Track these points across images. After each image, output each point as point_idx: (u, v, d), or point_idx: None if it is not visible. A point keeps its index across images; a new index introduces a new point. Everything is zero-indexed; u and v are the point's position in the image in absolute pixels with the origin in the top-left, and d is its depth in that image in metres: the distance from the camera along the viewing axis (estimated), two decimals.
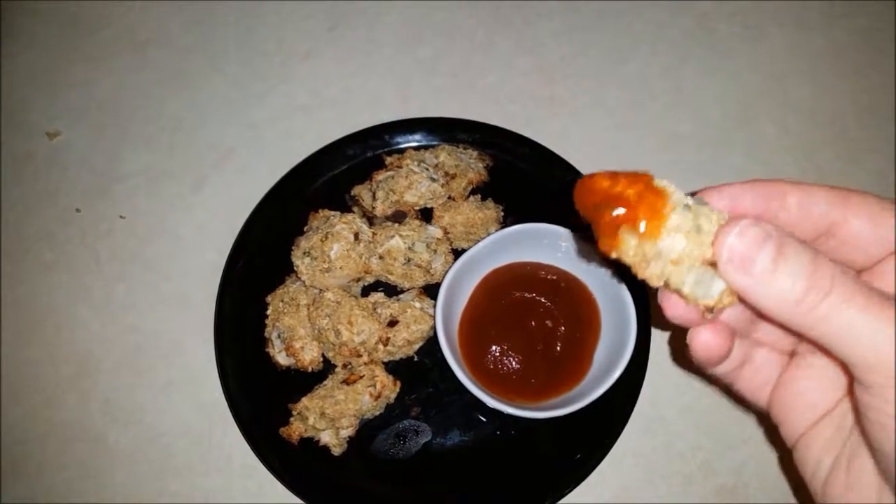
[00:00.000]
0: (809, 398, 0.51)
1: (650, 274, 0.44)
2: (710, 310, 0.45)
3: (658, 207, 0.42)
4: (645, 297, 0.88)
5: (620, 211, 0.43)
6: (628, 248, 0.43)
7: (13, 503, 0.89)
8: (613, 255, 0.45)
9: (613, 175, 0.45)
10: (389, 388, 0.87)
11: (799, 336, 0.45)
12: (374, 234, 0.91)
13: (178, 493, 0.89)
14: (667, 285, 0.45)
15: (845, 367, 0.42)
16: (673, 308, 0.48)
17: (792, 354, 0.54)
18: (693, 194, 0.46)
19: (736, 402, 0.90)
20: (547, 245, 0.88)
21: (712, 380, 0.83)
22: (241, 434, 0.87)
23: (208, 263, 1.00)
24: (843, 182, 1.02)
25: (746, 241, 0.40)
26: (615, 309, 0.84)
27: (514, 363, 0.85)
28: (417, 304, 0.89)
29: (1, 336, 0.98)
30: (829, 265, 0.40)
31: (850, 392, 0.48)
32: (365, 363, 0.87)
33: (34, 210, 1.07)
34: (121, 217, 1.06)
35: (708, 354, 0.49)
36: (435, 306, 0.84)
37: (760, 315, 0.46)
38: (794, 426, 0.51)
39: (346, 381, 0.86)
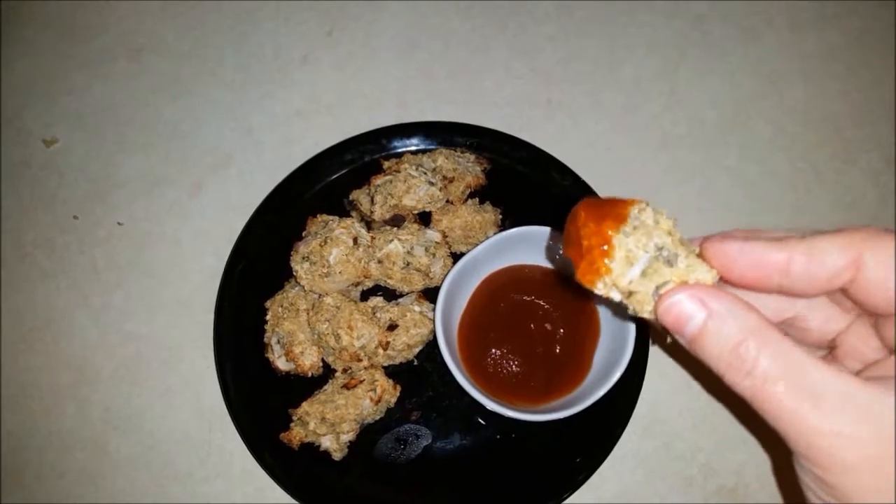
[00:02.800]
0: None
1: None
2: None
3: (599, 269, 0.47)
4: None
5: (575, 258, 0.48)
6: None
7: None
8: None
9: (592, 211, 0.47)
10: (390, 392, 0.87)
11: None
12: (372, 238, 0.91)
13: (178, 499, 0.89)
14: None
15: None
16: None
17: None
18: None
19: (735, 402, 0.90)
20: (545, 248, 0.88)
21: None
22: (241, 440, 0.87)
23: (207, 269, 1.00)
24: (839, 181, 1.04)
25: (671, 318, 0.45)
26: (614, 311, 0.84)
27: (513, 366, 0.85)
28: (417, 308, 0.90)
29: (0, 344, 0.98)
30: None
31: None
32: (365, 367, 0.88)
33: (31, 217, 1.06)
34: (118, 223, 1.05)
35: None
36: (434, 310, 0.84)
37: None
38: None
39: (346, 386, 0.86)
